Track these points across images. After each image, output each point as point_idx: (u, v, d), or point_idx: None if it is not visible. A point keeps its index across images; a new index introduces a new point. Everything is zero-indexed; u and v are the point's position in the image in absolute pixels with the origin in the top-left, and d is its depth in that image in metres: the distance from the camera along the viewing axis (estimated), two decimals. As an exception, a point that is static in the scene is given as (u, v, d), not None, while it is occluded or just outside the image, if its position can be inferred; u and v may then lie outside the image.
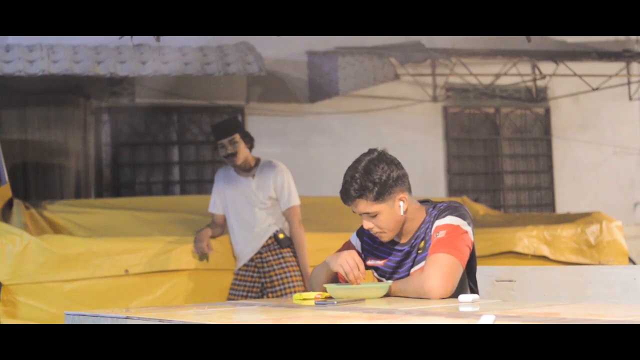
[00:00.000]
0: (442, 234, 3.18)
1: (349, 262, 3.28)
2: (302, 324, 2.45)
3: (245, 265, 5.87)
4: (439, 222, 3.23)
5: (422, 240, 3.29)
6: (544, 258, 7.15)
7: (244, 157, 5.87)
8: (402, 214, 3.26)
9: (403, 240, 3.36)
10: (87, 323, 2.96)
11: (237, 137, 5.87)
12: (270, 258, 5.81)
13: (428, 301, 3.02)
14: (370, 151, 3.30)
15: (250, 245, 5.85)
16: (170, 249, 5.89)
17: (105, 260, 5.72)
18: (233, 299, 5.79)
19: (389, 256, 3.38)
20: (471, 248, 3.24)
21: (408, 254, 3.32)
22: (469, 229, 3.22)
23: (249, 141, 5.93)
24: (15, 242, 5.55)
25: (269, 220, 5.86)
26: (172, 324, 2.56)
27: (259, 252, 5.83)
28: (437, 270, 3.09)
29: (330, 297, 3.21)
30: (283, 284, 5.79)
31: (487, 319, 2.21)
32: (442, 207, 3.28)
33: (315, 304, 3.07)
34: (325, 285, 3.31)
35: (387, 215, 3.25)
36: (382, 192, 3.21)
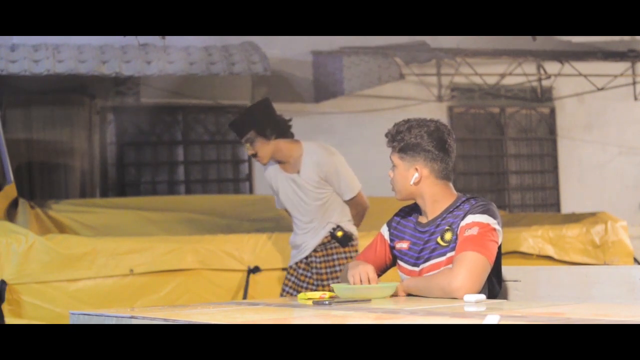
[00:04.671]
0: (474, 230, 3.17)
1: (362, 277, 3.30)
2: (307, 324, 2.45)
3: (299, 261, 5.36)
4: (472, 218, 3.21)
5: (446, 230, 3.28)
6: (549, 258, 7.15)
7: (269, 154, 5.17)
8: (411, 183, 3.33)
9: (424, 221, 3.37)
10: (92, 323, 2.96)
11: (252, 134, 5.13)
12: (321, 259, 5.30)
13: (433, 300, 3.02)
14: (432, 120, 3.39)
15: (309, 242, 5.29)
16: (175, 249, 5.89)
17: (110, 259, 5.72)
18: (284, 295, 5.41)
19: (413, 238, 3.38)
20: (499, 245, 3.25)
21: (427, 242, 3.32)
22: (498, 227, 3.23)
23: (272, 133, 5.14)
24: (21, 242, 5.56)
25: (328, 214, 5.27)
26: (178, 324, 2.56)
27: (314, 250, 5.30)
28: (466, 269, 3.09)
29: (337, 297, 3.21)
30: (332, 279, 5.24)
31: (492, 319, 2.20)
32: (474, 203, 3.27)
33: (313, 303, 3.08)
34: (332, 285, 3.32)
35: (399, 174, 3.36)
36: (404, 149, 3.32)
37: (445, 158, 3.33)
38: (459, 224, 3.24)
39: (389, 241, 3.50)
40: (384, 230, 3.54)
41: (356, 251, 5.32)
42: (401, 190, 3.37)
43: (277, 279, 6.04)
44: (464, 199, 3.33)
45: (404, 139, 3.31)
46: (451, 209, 3.31)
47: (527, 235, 7.09)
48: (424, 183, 3.32)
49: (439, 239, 3.28)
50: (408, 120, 3.38)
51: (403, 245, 3.41)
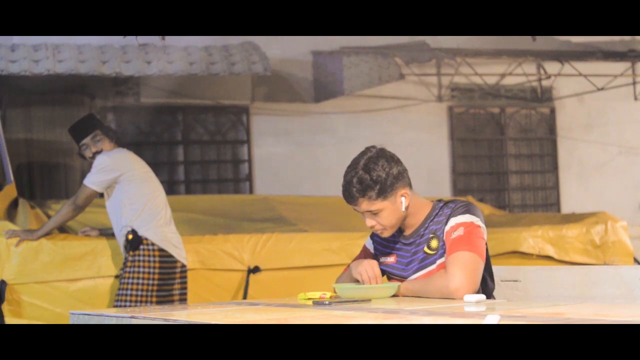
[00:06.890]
0: (460, 231, 3.16)
1: (369, 272, 3.26)
2: (307, 324, 2.45)
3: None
4: (455, 220, 3.20)
5: (431, 238, 3.27)
6: (549, 258, 7.15)
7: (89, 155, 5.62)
8: (403, 210, 3.25)
9: (407, 233, 3.34)
10: (92, 323, 2.96)
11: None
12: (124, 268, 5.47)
13: (433, 300, 3.02)
14: (368, 149, 3.27)
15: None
16: (175, 249, 5.88)
17: (110, 259, 5.73)
18: None
19: (399, 251, 3.37)
20: (485, 241, 3.24)
21: (414, 253, 3.31)
22: (482, 225, 3.23)
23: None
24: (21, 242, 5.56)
25: (119, 219, 5.49)
26: (178, 324, 2.56)
27: (125, 259, 5.48)
28: (461, 269, 3.08)
29: (337, 297, 3.21)
30: (119, 289, 5.40)
31: (492, 319, 2.20)
32: (453, 206, 3.26)
33: (313, 303, 3.07)
34: (334, 285, 3.31)
35: (390, 212, 3.23)
36: (384, 189, 3.19)
37: (403, 167, 3.28)
38: (443, 230, 3.23)
39: (374, 254, 3.49)
40: (369, 244, 3.52)
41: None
42: (396, 223, 3.28)
43: (277, 279, 6.04)
44: (441, 205, 3.32)
45: (377, 182, 3.17)
46: (432, 217, 3.30)
47: (527, 235, 7.09)
48: (410, 201, 3.28)
49: (425, 248, 3.28)
50: (354, 169, 3.20)
51: (390, 259, 3.40)
